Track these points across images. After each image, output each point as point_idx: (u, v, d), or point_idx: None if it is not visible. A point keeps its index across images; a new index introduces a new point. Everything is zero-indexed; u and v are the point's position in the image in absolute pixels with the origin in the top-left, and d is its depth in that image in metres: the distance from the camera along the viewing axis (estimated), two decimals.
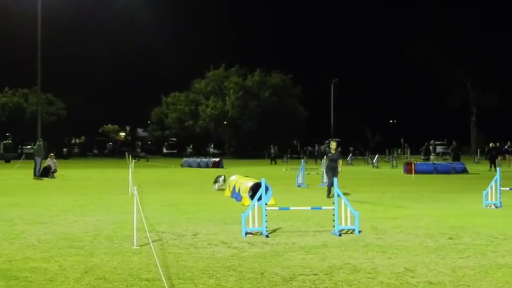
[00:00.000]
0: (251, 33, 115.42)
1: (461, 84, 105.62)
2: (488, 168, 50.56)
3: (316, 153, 71.50)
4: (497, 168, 26.28)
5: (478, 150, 78.84)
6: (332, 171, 25.60)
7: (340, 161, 26.40)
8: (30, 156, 53.93)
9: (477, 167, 56.09)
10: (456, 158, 57.97)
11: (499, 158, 54.32)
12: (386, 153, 72.63)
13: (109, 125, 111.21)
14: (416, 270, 11.78)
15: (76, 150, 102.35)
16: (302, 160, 41.12)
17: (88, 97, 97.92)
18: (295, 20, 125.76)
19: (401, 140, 66.12)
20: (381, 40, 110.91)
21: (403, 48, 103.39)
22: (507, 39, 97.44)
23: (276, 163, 66.08)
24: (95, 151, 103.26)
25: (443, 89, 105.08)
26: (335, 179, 16.46)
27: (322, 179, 34.84)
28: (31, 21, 66.44)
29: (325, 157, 26.04)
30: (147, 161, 73.13)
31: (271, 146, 73.40)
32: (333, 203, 15.99)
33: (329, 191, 25.08)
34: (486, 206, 22.78)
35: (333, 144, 26.76)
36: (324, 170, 25.81)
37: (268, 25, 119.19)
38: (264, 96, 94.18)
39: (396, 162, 57.47)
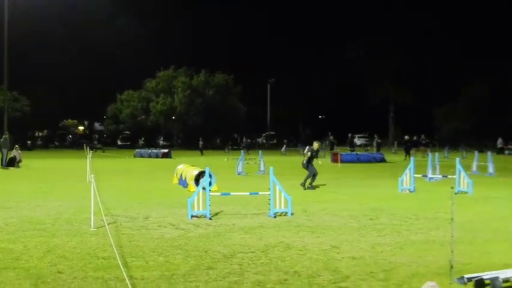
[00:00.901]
0: (197, 36, 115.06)
1: (381, 84, 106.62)
2: (403, 157, 51.07)
3: (244, 145, 71.49)
4: (411, 158, 26.60)
5: (395, 142, 79.58)
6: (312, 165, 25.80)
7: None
8: None
9: (394, 157, 56.70)
10: (378, 149, 58.63)
11: (413, 148, 55.02)
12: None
13: (69, 120, 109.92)
14: (341, 247, 11.92)
15: (39, 142, 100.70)
16: (242, 151, 41.17)
17: (50, 94, 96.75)
18: (237, 25, 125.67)
19: (329, 133, 66.49)
20: (312, 42, 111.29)
21: (332, 49, 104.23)
22: (422, 44, 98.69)
23: (202, 154, 65.64)
24: (56, 143, 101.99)
25: (365, 88, 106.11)
26: (271, 167, 16.47)
27: (259, 167, 34.95)
28: None
29: (307, 153, 26.10)
30: (103, 152, 72.47)
31: (200, 139, 73.61)
32: (269, 189, 16.09)
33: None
34: (401, 190, 23.13)
35: (315, 145, 27.01)
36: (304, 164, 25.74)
37: (213, 29, 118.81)
38: (209, 94, 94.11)
39: (325, 153, 57.85)
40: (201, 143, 71.92)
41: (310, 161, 25.90)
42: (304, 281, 9.26)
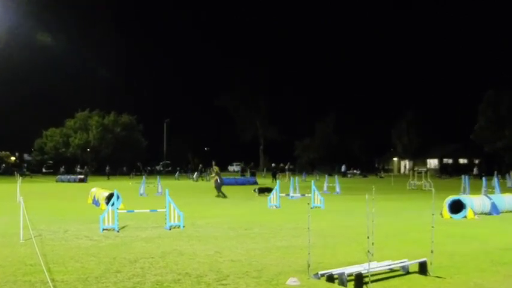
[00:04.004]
0: (109, 84, 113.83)
1: (253, 123, 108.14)
2: (271, 180, 51.59)
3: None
4: (277, 181, 26.92)
5: (265, 169, 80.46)
6: (216, 183, 30.53)
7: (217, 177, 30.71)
8: None
9: (264, 180, 57.20)
10: (253, 175, 58.97)
11: (278, 173, 55.71)
12: (202, 172, 72.87)
13: (2, 152, 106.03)
14: (223, 252, 11.90)
15: None
16: (143, 176, 40.63)
17: None
18: (139, 76, 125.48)
19: (213, 162, 66.56)
20: (198, 90, 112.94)
21: (213, 98, 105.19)
22: (282, 94, 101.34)
23: (109, 178, 64.45)
24: None
25: (240, 126, 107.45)
26: (167, 189, 16.31)
27: (158, 189, 34.57)
28: None
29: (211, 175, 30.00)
30: (31, 177, 69.92)
31: (107, 166, 72.68)
32: (165, 207, 15.94)
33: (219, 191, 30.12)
34: (270, 206, 23.30)
35: (215, 168, 31.58)
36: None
37: (120, 79, 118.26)
38: (117, 131, 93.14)
39: (209, 178, 57.76)
40: (107, 168, 71.08)
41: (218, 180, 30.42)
42: (193, 280, 9.20)
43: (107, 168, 71.45)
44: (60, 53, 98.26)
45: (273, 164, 62.96)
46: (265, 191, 31.32)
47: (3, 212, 21.41)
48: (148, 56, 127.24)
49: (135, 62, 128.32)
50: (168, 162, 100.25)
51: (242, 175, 61.47)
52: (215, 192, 30.67)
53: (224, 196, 29.44)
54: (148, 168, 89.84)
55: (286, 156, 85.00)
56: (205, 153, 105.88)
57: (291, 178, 33.42)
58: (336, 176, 38.93)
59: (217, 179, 30.62)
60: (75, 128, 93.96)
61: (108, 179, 63.98)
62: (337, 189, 34.45)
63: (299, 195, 28.36)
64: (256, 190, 32.44)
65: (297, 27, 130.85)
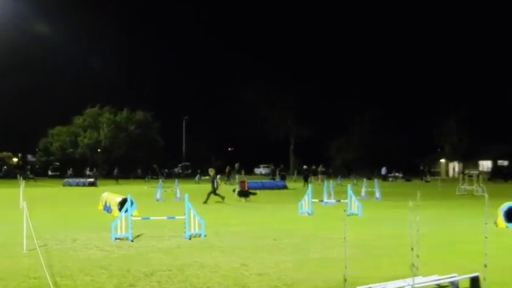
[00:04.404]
0: (120, 78, 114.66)
1: (283, 121, 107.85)
2: (303, 185, 51.49)
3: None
4: (310, 185, 26.86)
5: (295, 171, 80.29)
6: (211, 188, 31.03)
7: (218, 181, 31.89)
8: None
9: (295, 184, 57.10)
10: (282, 178, 58.82)
11: (311, 176, 55.60)
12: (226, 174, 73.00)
13: (4, 152, 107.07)
14: (249, 264, 11.90)
15: None
16: (160, 179, 40.82)
17: None
18: (156, 69, 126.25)
19: (236, 164, 66.36)
20: (224, 83, 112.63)
21: (241, 92, 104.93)
22: (316, 88, 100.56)
23: (117, 182, 64.61)
24: None
25: (269, 123, 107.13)
26: (186, 194, 16.38)
27: (176, 194, 34.74)
28: None
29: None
30: (35, 181, 70.59)
31: (115, 169, 72.89)
32: (184, 213, 16.00)
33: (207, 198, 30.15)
34: (301, 213, 23.27)
35: (211, 171, 32.11)
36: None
37: (136, 71, 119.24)
38: (131, 129, 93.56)
39: (233, 181, 57.75)
40: (116, 171, 71.16)
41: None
42: None
43: (115, 170, 71.61)
44: (67, 45, 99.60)
45: (304, 166, 62.71)
46: (246, 194, 32.92)
47: (5, 219, 21.62)
48: (165, 48, 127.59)
49: (150, 53, 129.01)
50: (188, 164, 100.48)
51: (272, 178, 61.38)
52: (234, 197, 31.18)
53: (205, 201, 29.71)
54: (166, 170, 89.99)
55: (319, 157, 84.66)
56: (229, 154, 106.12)
57: (325, 182, 33.31)
58: (376, 179, 38.74)
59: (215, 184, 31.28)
60: (84, 126, 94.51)
61: (117, 182, 64.20)
62: (377, 195, 34.25)
63: (334, 201, 28.25)
64: (236, 191, 33.85)
65: (330, 17, 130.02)
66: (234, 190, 34.58)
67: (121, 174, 71.52)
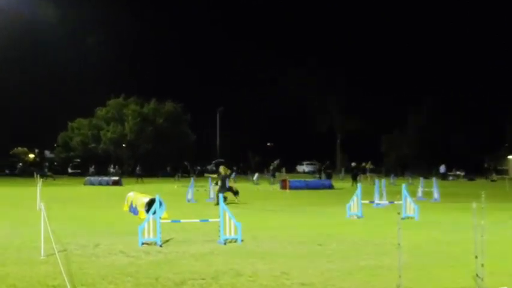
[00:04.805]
0: (147, 66, 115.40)
1: (328, 112, 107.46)
2: (351, 184, 51.35)
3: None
4: (358, 184, 26.76)
5: (343, 169, 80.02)
6: (221, 187, 29.79)
7: (232, 180, 29.87)
8: None
9: (342, 183, 56.95)
10: (328, 176, 58.61)
11: (360, 174, 55.40)
12: (265, 172, 72.98)
13: (19, 148, 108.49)
14: (291, 273, 11.89)
15: None
16: (192, 178, 41.00)
17: None
18: (186, 55, 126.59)
19: (276, 161, 66.04)
20: (259, 70, 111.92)
21: (279, 78, 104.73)
22: (365, 75, 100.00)
23: (139, 181, 64.82)
24: (7, 171, 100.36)
25: (313, 116, 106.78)
26: (221, 195, 16.47)
27: (209, 194, 34.87)
28: None
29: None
30: (54, 179, 71.43)
31: (137, 166, 73.25)
32: (219, 216, 16.05)
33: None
34: (349, 216, 23.21)
35: (221, 169, 30.67)
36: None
37: (162, 60, 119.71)
38: (159, 121, 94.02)
39: (273, 180, 57.85)
40: (138, 169, 71.37)
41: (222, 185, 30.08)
42: None
43: (137, 168, 71.86)
44: (88, 32, 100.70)
45: (353, 163, 62.52)
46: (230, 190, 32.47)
47: (20, 221, 21.94)
48: (197, 35, 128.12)
49: (181, 40, 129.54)
50: (222, 160, 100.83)
51: (319, 177, 61.29)
52: (280, 198, 30.91)
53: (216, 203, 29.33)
54: (198, 168, 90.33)
55: (369, 153, 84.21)
56: (268, 150, 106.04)
57: (376, 181, 33.15)
58: (434, 178, 38.36)
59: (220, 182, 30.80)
60: (107, 119, 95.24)
61: (139, 181, 64.47)
62: (436, 195, 34.00)
63: (386, 202, 28.13)
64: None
65: None
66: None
67: (144, 172, 71.71)
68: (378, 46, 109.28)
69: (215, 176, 32.52)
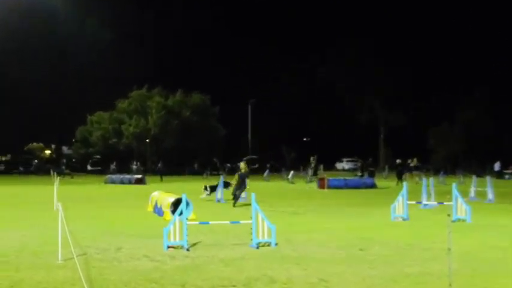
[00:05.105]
0: (172, 55, 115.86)
1: (370, 104, 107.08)
2: (395, 183, 51.15)
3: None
4: (404, 183, 26.64)
5: (386, 166, 79.75)
6: (239, 186, 30.65)
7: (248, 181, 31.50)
8: None
9: (386, 182, 56.75)
10: (371, 174, 58.37)
11: (405, 173, 55.13)
12: (301, 170, 72.92)
13: (34, 143, 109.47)
14: (330, 280, 11.87)
15: (1, 168, 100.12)
16: (221, 176, 41.08)
17: (13, 116, 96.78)
18: (213, 44, 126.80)
19: (313, 157, 65.64)
20: (294, 60, 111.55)
21: (317, 68, 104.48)
22: (411, 63, 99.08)
23: (162, 180, 65.09)
24: (21, 169, 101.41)
25: (353, 108, 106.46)
26: (253, 194, 16.48)
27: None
28: None
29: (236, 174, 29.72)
30: (72, 177, 72.12)
31: (159, 163, 73.42)
32: (251, 217, 16.05)
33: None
34: (394, 218, 23.11)
35: (242, 165, 31.83)
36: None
37: (188, 48, 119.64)
38: (185, 114, 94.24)
39: (310, 177, 57.74)
40: (159, 165, 71.46)
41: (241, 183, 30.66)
42: None
43: (159, 165, 71.96)
44: (110, 24, 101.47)
45: (397, 161, 62.18)
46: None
47: (36, 223, 22.11)
48: (225, 24, 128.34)
49: (209, 28, 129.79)
50: (254, 157, 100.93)
51: (361, 175, 61.10)
52: (317, 197, 30.92)
53: (234, 204, 30.07)
54: (228, 165, 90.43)
55: (415, 149, 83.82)
56: (304, 146, 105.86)
57: (423, 179, 32.98)
58: (488, 177, 38.06)
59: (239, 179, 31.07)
60: (129, 112, 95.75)
61: (162, 179, 64.75)
62: (490, 196, 33.75)
63: (435, 203, 27.96)
64: (208, 188, 35.63)
65: None
66: (205, 187, 35.84)
67: (167, 168, 71.84)
68: (423, 31, 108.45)
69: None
